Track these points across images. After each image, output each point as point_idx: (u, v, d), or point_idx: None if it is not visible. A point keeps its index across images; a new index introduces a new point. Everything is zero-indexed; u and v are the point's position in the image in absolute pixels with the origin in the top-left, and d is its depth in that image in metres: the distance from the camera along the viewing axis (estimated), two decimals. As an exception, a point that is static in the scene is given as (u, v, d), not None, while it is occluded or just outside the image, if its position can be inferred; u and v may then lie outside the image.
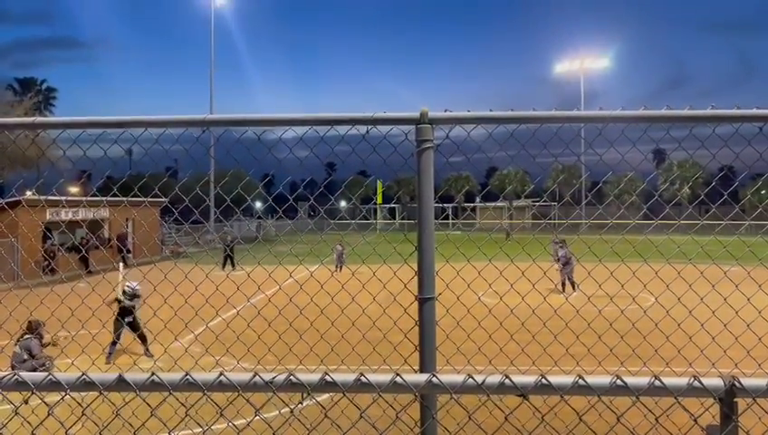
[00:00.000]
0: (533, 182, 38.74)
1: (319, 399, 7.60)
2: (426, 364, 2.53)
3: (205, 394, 1.74)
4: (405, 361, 3.15)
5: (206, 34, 58.26)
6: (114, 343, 12.76)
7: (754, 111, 2.64)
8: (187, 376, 1.73)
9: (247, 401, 2.00)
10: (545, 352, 3.89)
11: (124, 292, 12.95)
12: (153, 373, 1.74)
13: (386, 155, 2.92)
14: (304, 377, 1.72)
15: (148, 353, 13.04)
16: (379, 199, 69.48)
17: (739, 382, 1.69)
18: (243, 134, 2.96)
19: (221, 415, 2.02)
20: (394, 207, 77.76)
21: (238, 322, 4.99)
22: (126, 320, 12.63)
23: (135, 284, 13.02)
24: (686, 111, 2.55)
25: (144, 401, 2.01)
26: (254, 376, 1.74)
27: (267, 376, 1.75)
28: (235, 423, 2.42)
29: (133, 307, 12.88)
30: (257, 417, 2.21)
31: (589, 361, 4.12)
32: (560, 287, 21.09)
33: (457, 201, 73.25)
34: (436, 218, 2.73)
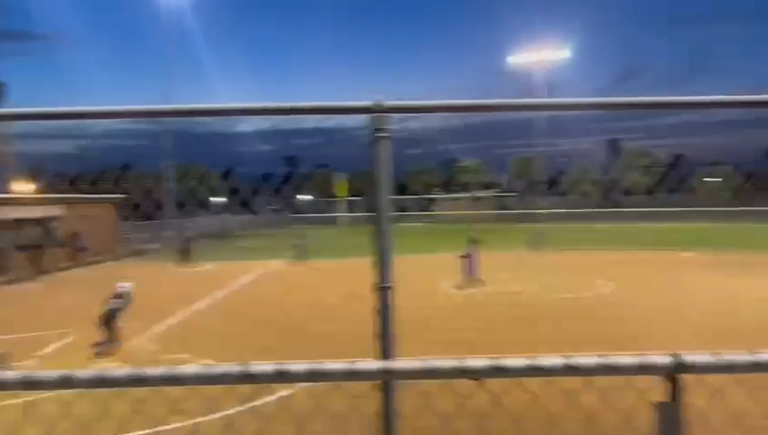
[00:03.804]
0: (489, 172, 39.19)
1: (282, 394, 7.57)
2: (385, 354, 2.53)
3: (158, 387, 1.70)
4: (375, 354, 3.14)
5: (165, 29, 56.53)
6: (106, 341, 12.82)
7: (700, 98, 2.71)
8: (138, 371, 1.69)
9: (234, 395, 1.96)
10: (503, 340, 3.95)
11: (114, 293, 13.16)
12: (100, 370, 1.69)
13: (348, 148, 2.91)
14: (258, 368, 1.70)
15: (105, 350, 12.89)
16: (341, 192, 69.01)
17: (685, 359, 1.75)
18: (193, 121, 2.89)
19: (185, 407, 1.98)
20: (356, 201, 77.44)
21: (197, 318, 4.91)
22: (108, 314, 12.80)
23: (127, 284, 13.22)
24: (633, 99, 2.60)
25: (126, 398, 1.95)
26: (208, 369, 1.71)
27: (221, 369, 1.72)
28: (194, 421, 2.38)
29: (118, 308, 13.10)
30: (217, 414, 2.17)
31: (545, 347, 4.20)
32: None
33: (413, 192, 73.38)
34: (396, 211, 2.73)
